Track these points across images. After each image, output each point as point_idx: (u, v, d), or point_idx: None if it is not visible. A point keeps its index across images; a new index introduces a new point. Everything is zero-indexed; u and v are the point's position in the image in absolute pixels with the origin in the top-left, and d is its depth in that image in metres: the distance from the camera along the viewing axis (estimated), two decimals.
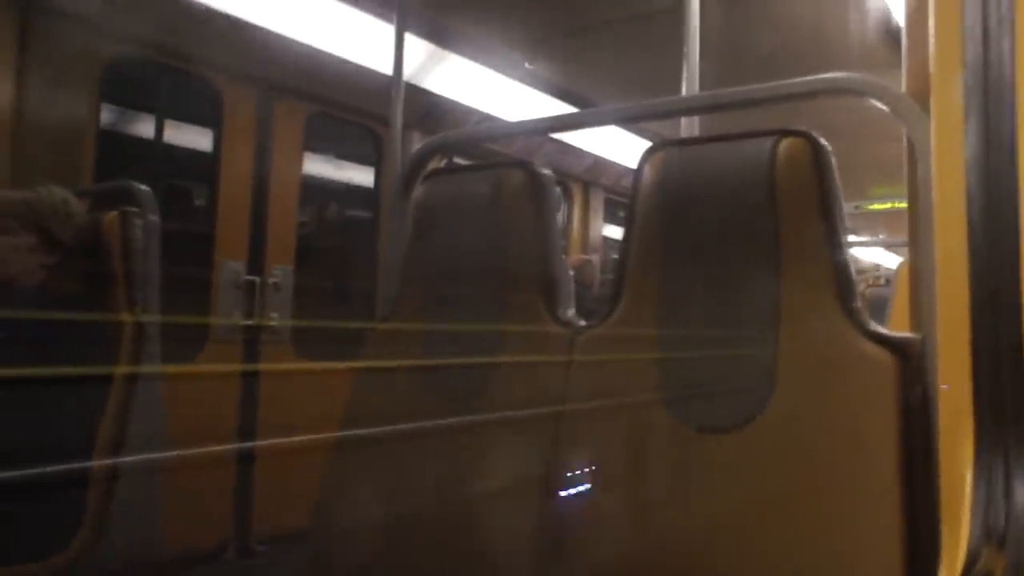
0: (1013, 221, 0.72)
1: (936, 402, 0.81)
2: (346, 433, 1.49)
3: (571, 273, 1.51)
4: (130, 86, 3.11)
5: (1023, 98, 0.72)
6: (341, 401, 1.52)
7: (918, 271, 1.11)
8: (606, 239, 5.94)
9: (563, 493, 1.23)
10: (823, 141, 1.12)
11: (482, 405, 1.35)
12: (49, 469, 1.49)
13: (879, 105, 1.06)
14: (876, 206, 6.92)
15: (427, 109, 4.02)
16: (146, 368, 1.81)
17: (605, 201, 5.89)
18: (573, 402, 1.26)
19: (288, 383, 3.57)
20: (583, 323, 1.35)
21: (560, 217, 5.61)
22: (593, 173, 5.58)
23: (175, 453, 2.03)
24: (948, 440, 0.76)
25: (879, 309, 4.86)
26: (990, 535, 0.67)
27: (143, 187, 1.93)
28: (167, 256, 1.95)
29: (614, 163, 5.46)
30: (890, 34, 3.21)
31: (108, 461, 1.72)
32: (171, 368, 2.16)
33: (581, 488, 1.22)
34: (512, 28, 3.89)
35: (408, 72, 3.04)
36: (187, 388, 3.03)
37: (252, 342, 3.47)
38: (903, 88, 1.11)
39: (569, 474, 1.23)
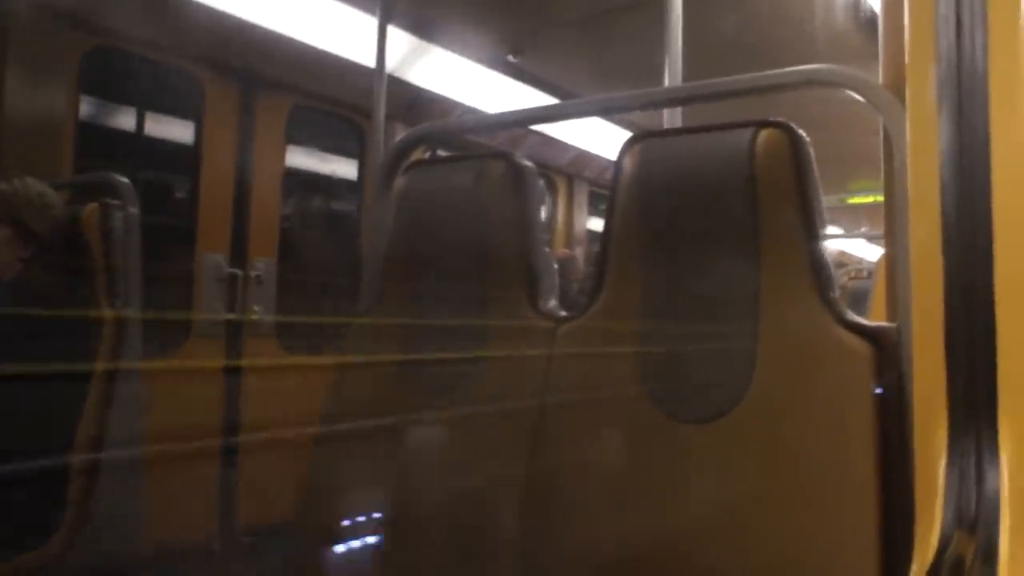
0: (986, 211, 0.72)
1: (911, 390, 0.82)
2: (328, 428, 1.49)
3: (556, 267, 1.51)
4: (110, 78, 3.08)
5: (996, 89, 0.73)
6: (325, 392, 1.52)
7: (893, 261, 1.12)
8: (590, 232, 5.95)
9: (544, 483, 1.23)
10: (802, 132, 1.13)
11: (464, 396, 1.35)
12: (26, 465, 1.48)
13: (856, 96, 1.06)
14: (858, 199, 6.97)
15: (410, 102, 4.01)
16: (125, 363, 1.80)
17: (589, 194, 5.90)
18: (555, 393, 1.26)
19: (273, 374, 3.56)
20: (564, 314, 1.35)
21: (544, 210, 5.61)
22: (577, 166, 5.59)
23: (156, 448, 2.02)
24: (922, 427, 0.77)
25: (861, 301, 4.90)
26: (962, 520, 0.68)
27: (123, 179, 1.91)
28: (148, 249, 1.93)
29: (598, 156, 5.47)
30: (870, 26, 3.22)
31: (87, 456, 1.71)
32: (152, 363, 2.15)
33: (561, 478, 1.22)
34: (495, 21, 3.88)
35: (391, 65, 3.03)
36: (169, 383, 3.01)
37: (235, 335, 3.46)
38: (880, 80, 1.11)
39: (550, 464, 1.24)
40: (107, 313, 1.79)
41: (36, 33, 2.66)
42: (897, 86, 1.00)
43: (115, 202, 1.85)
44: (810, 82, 1.16)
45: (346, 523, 1.41)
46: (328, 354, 1.61)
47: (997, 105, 0.72)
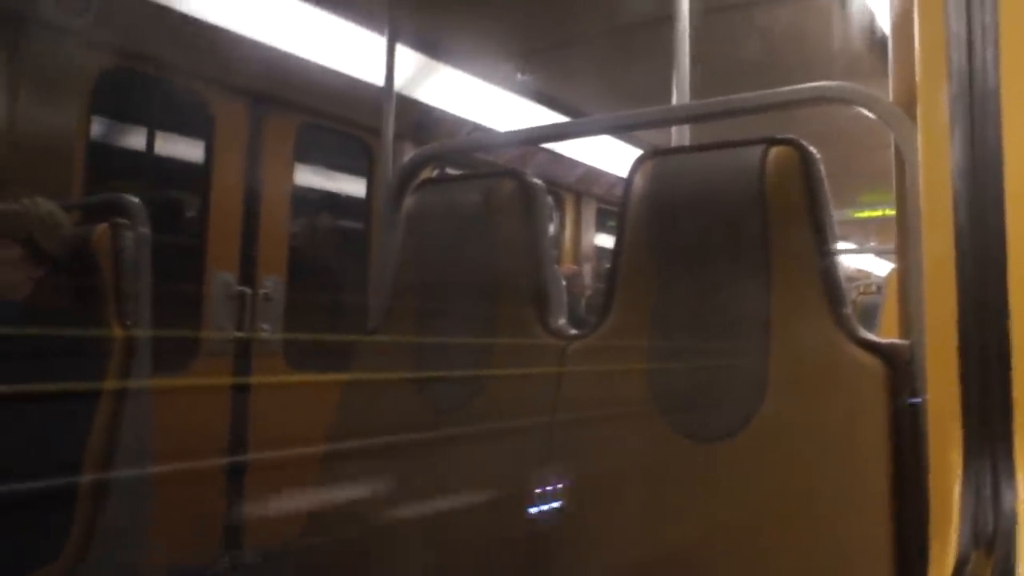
0: (999, 228, 0.72)
1: (925, 408, 0.81)
2: (335, 446, 1.49)
3: (564, 284, 1.51)
4: (120, 98, 3.11)
5: (1008, 106, 0.73)
6: (333, 412, 1.52)
7: (906, 278, 1.12)
8: (598, 248, 5.95)
9: (555, 503, 1.22)
10: (812, 149, 1.13)
11: (474, 414, 1.35)
12: (36, 484, 1.48)
13: (867, 113, 1.06)
14: (867, 213, 6.95)
15: (419, 120, 4.02)
16: (135, 382, 1.80)
17: (597, 211, 5.91)
18: (564, 411, 1.26)
19: (280, 394, 3.56)
20: (574, 332, 1.35)
21: (552, 227, 5.62)
22: (585, 183, 5.60)
23: (166, 468, 2.02)
24: (937, 446, 0.76)
25: (870, 316, 4.88)
26: (978, 540, 0.68)
27: (133, 199, 1.92)
28: (158, 268, 1.94)
29: (606, 173, 5.48)
30: (878, 44, 3.23)
31: (96, 476, 1.70)
32: (161, 382, 2.15)
33: (572, 498, 1.22)
34: (503, 39, 3.90)
35: (399, 83, 3.05)
36: (178, 401, 3.02)
37: (243, 354, 3.46)
38: (890, 97, 1.11)
39: (561, 484, 1.23)
40: (117, 332, 1.79)
41: (50, 54, 2.68)
42: (907, 103, 1.00)
43: (125, 222, 1.86)
44: (820, 99, 1.16)
45: (352, 541, 1.41)
46: (336, 373, 1.61)
47: (1009, 121, 0.72)
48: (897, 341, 1.04)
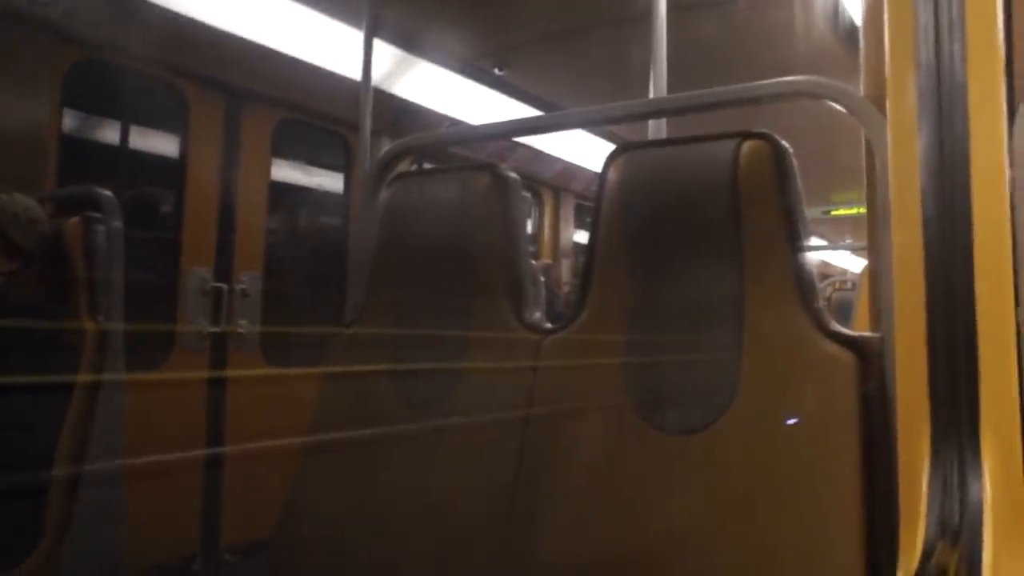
0: (967, 220, 0.73)
1: (895, 399, 0.82)
2: (312, 439, 1.48)
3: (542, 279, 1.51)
4: (93, 91, 3.07)
5: (975, 100, 0.74)
6: (309, 407, 1.51)
7: (876, 271, 1.13)
8: (577, 244, 5.96)
9: (530, 495, 1.22)
10: (785, 144, 1.13)
11: (450, 408, 1.35)
12: (5, 479, 1.46)
13: (837, 107, 1.07)
14: (843, 211, 7.02)
15: (397, 114, 4.01)
16: (109, 377, 1.78)
17: (576, 207, 5.92)
18: (540, 405, 1.26)
19: (257, 390, 3.53)
20: (549, 326, 1.35)
21: (531, 222, 5.63)
22: (564, 179, 5.61)
23: (141, 460, 2.00)
24: (905, 437, 0.77)
25: (845, 312, 4.94)
26: (945, 529, 0.68)
27: (106, 192, 1.90)
28: (132, 262, 1.92)
29: (584, 168, 5.49)
30: (852, 39, 3.25)
31: (67, 472, 1.68)
32: (135, 377, 2.13)
33: (547, 490, 1.22)
34: (481, 35, 3.89)
35: (377, 77, 3.03)
36: (153, 398, 2.99)
37: (220, 350, 3.43)
38: (861, 91, 1.12)
39: (536, 476, 1.23)
40: (89, 327, 1.77)
41: (20, 46, 2.64)
42: (878, 97, 1.01)
43: (98, 216, 1.84)
44: (792, 93, 1.17)
45: (328, 537, 1.40)
46: (314, 367, 1.60)
47: (976, 115, 0.73)
48: (868, 334, 1.05)
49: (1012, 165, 0.74)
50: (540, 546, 1.18)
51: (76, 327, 1.78)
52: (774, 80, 1.15)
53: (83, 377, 1.73)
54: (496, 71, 4.29)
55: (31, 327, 1.73)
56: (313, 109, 3.75)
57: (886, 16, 0.80)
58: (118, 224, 1.88)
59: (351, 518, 1.39)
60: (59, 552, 1.64)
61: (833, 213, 7.04)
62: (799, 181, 1.12)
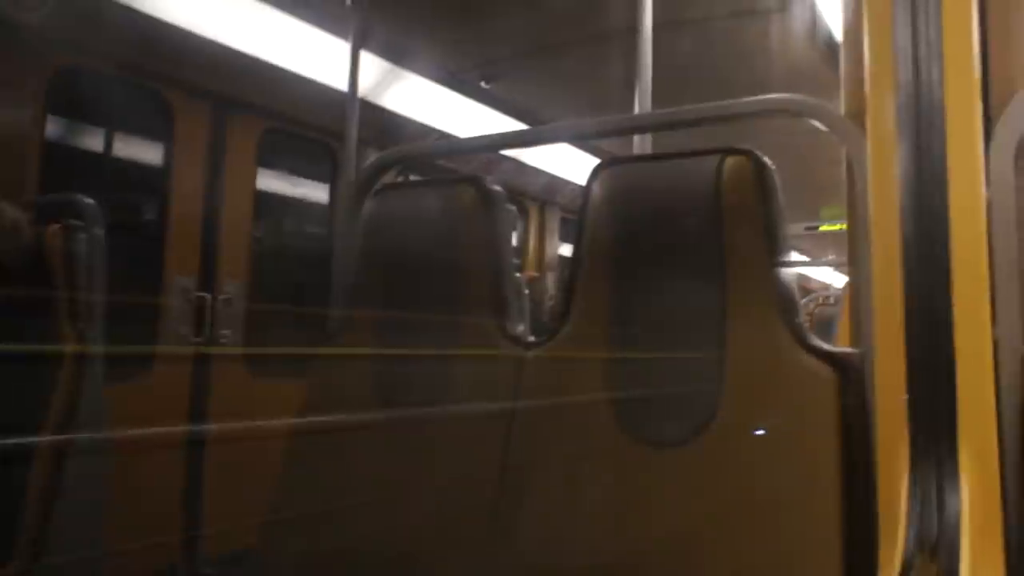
0: (944, 237, 0.74)
1: (874, 415, 0.82)
2: (292, 456, 1.47)
3: (527, 291, 1.51)
4: (78, 97, 3.05)
5: (953, 119, 0.75)
6: (291, 418, 1.50)
7: (857, 287, 1.14)
8: (562, 257, 5.97)
9: (513, 507, 1.22)
10: (767, 160, 1.14)
11: (433, 421, 1.34)
12: None
13: (818, 125, 1.08)
14: (826, 227, 7.07)
15: (383, 126, 4.01)
16: (88, 388, 1.76)
17: (561, 220, 5.93)
18: (523, 418, 1.26)
19: (241, 401, 3.51)
20: (533, 339, 1.35)
21: (516, 235, 5.64)
22: (549, 192, 5.62)
23: (121, 473, 1.97)
24: (885, 452, 0.77)
25: (828, 328, 4.96)
26: (924, 544, 0.69)
27: (87, 200, 1.88)
28: (113, 271, 1.90)
29: (570, 182, 5.51)
30: (834, 57, 3.29)
31: (44, 484, 1.66)
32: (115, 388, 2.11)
33: (530, 503, 1.21)
34: (468, 48, 3.91)
35: (364, 89, 3.03)
36: (134, 408, 2.96)
37: (202, 360, 3.40)
38: (842, 109, 1.13)
39: (519, 489, 1.23)
40: (68, 335, 1.75)
41: (3, 51, 2.63)
42: (858, 115, 1.02)
43: (79, 223, 1.82)
44: (774, 111, 1.18)
45: (310, 548, 1.39)
46: (296, 380, 1.59)
47: (953, 133, 0.74)
48: (848, 349, 1.06)
49: (988, 183, 0.75)
50: (523, 558, 1.18)
51: (55, 334, 1.76)
52: (756, 98, 1.17)
53: (62, 380, 1.71)
54: (483, 84, 4.31)
55: (7, 331, 1.71)
56: (299, 119, 3.75)
57: (866, 36, 0.81)
58: (99, 232, 1.86)
59: (332, 530, 1.38)
60: (36, 559, 1.62)
61: (821, 229, 7.09)
62: (781, 197, 1.13)
